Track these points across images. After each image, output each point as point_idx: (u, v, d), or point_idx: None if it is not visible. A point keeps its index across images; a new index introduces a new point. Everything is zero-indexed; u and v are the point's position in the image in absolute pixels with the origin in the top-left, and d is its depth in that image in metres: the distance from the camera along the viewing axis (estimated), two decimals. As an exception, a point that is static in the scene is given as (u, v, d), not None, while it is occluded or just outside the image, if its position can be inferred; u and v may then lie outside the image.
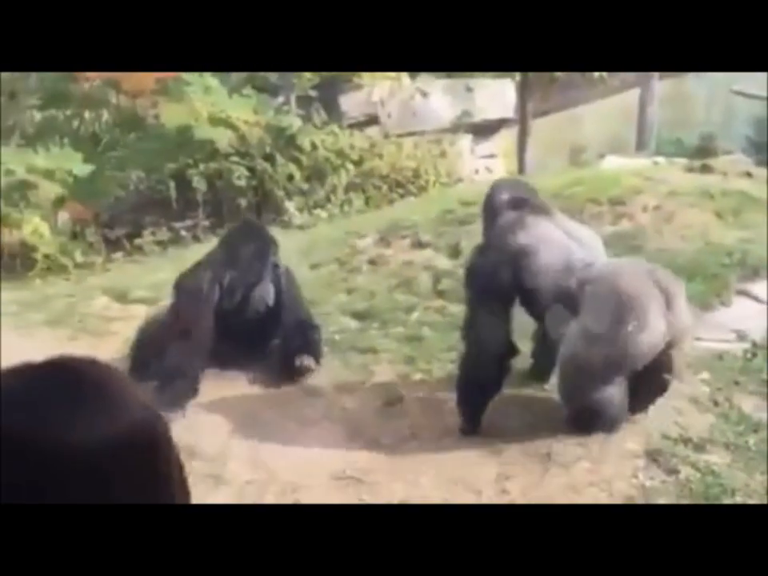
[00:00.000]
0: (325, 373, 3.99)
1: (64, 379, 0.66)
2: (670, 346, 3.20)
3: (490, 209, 3.74)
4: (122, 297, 5.49)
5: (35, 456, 0.60)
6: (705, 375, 3.63)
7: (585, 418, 3.19)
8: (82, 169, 7.45)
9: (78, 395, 0.64)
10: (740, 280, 4.32)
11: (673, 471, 2.97)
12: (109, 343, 4.61)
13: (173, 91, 8.19)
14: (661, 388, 3.28)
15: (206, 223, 8.12)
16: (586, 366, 3.16)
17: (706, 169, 5.79)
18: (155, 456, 0.66)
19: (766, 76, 11.51)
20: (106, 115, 8.68)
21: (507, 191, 3.78)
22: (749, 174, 5.80)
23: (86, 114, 8.59)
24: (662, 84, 15.38)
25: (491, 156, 10.79)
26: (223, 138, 7.93)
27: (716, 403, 3.42)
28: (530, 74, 12.38)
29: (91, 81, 8.15)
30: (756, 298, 4.17)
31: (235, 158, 8.13)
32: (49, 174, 7.25)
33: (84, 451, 0.61)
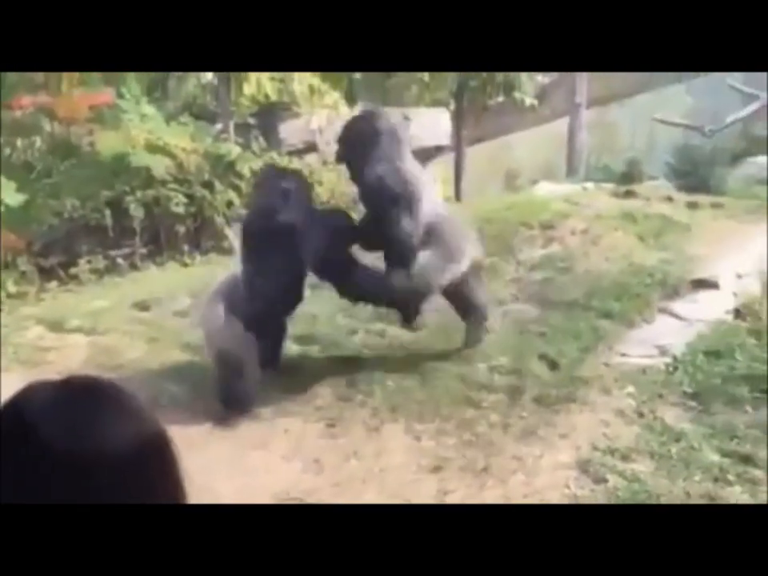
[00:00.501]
0: (267, 396, 4.04)
1: (84, 394, 0.74)
2: None
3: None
4: (57, 326, 5.41)
5: (61, 459, 0.67)
6: (630, 389, 3.82)
7: None
8: (15, 198, 7.32)
9: (98, 409, 0.73)
10: (661, 298, 4.56)
11: (601, 480, 3.12)
12: (44, 373, 4.53)
13: (109, 119, 8.15)
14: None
15: (144, 251, 8.05)
16: None
17: (629, 194, 6.09)
18: (165, 460, 0.75)
19: (686, 104, 12.13)
20: (39, 143, 8.56)
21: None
22: (669, 199, 6.13)
23: (18, 142, 8.45)
24: (589, 113, 16.01)
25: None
26: (160, 166, 7.91)
27: (641, 415, 3.60)
28: (465, 103, 12.76)
29: (24, 108, 8.03)
30: (676, 315, 4.41)
31: (173, 185, 8.11)
32: (-21, 203, 7.10)
33: (105, 456, 0.69)
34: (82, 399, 0.73)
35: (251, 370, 3.94)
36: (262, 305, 4.01)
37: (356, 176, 4.20)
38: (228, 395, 3.92)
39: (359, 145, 4.07)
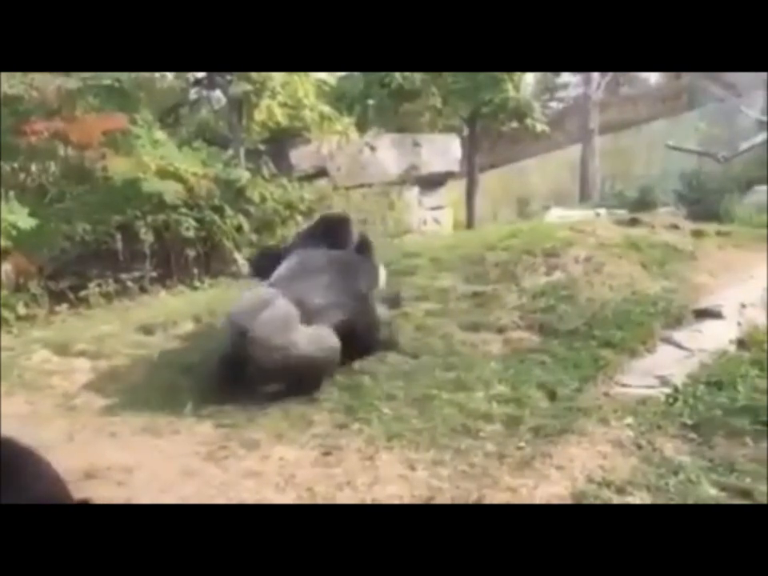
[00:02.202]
0: (263, 423, 4.04)
1: None
2: None
3: None
4: (62, 350, 5.45)
5: None
6: (629, 420, 3.77)
7: None
8: (28, 222, 7.41)
9: None
10: (664, 328, 4.52)
11: (595, 514, 3.07)
12: (46, 397, 4.58)
13: (121, 144, 8.26)
14: None
15: (154, 274, 8.12)
16: None
17: (635, 222, 6.07)
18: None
19: (700, 131, 12.11)
20: (53, 167, 8.69)
21: None
22: (675, 227, 6.10)
23: (33, 167, 8.58)
24: (602, 139, 16.03)
25: (439, 207, 11.06)
26: (171, 191, 8.00)
27: (639, 447, 3.55)
28: (477, 129, 12.82)
29: (39, 133, 8.16)
30: (678, 345, 4.37)
31: (183, 210, 8.19)
32: (-8, 227, 7.20)
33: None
34: None
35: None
36: None
37: None
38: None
39: None
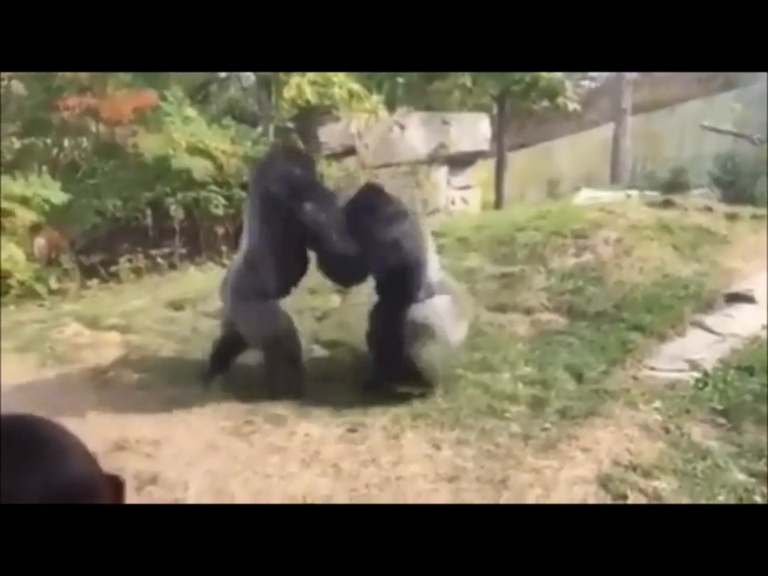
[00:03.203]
0: (289, 400, 4.08)
1: (17, 435, 0.75)
2: None
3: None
4: (93, 324, 5.55)
5: None
6: (657, 404, 3.73)
7: None
8: (60, 197, 7.53)
9: (28, 450, 0.73)
10: (694, 312, 4.46)
11: (621, 496, 3.06)
12: (77, 370, 4.66)
13: (151, 121, 8.32)
14: None
15: (183, 251, 8.20)
16: None
17: (668, 204, 5.97)
18: (91, 501, 0.75)
19: (735, 112, 11.85)
20: (85, 143, 8.79)
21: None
22: (709, 209, 5.99)
23: (66, 142, 8.69)
24: (635, 119, 15.76)
25: (467, 187, 10.98)
26: (201, 168, 8.04)
27: (667, 431, 3.52)
28: (507, 107, 12.66)
29: (71, 109, 8.25)
30: (709, 330, 4.31)
31: (213, 187, 8.25)
32: (25, 201, 7.32)
33: (32, 499, 0.69)
34: (9, 442, 0.73)
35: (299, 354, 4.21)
36: (270, 279, 4.17)
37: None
38: (278, 381, 4.13)
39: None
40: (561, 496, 3.11)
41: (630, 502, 3.05)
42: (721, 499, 3.04)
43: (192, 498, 3.23)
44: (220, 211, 8.26)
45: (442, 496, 3.17)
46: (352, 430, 3.74)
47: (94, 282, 7.61)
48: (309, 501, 3.19)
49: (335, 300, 5.57)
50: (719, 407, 3.66)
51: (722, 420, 3.59)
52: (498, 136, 12.28)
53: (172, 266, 8.07)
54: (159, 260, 8.01)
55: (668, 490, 3.11)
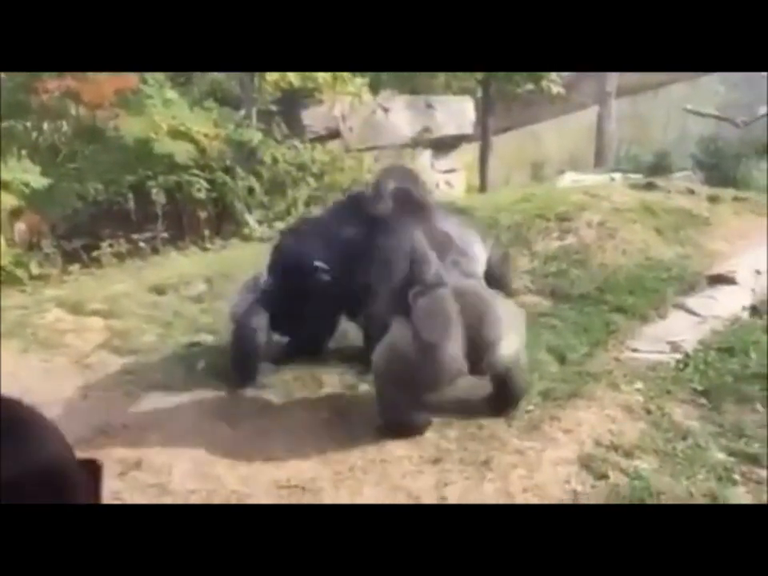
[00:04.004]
0: (275, 383, 4.07)
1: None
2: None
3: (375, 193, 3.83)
4: (76, 309, 5.49)
5: None
6: (639, 385, 3.77)
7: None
8: (40, 181, 7.43)
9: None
10: (677, 294, 4.50)
11: (603, 476, 3.10)
12: (60, 355, 4.62)
13: (133, 104, 8.21)
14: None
15: (166, 235, 8.14)
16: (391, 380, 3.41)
17: (650, 186, 5.99)
18: (66, 486, 0.74)
19: (719, 95, 11.90)
20: (65, 126, 8.67)
21: (395, 181, 3.86)
22: (691, 192, 6.02)
23: (45, 126, 8.56)
24: (619, 102, 15.77)
25: (451, 170, 10.97)
26: (183, 152, 7.97)
27: (648, 411, 3.56)
28: (492, 91, 12.63)
29: (51, 92, 8.13)
30: (691, 311, 4.35)
31: (195, 171, 8.17)
32: (5, 186, 7.22)
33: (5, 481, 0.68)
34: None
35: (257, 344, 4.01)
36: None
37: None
38: (234, 365, 4.05)
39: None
40: (543, 477, 3.15)
41: (611, 482, 3.09)
42: (700, 478, 3.09)
43: (176, 482, 3.23)
44: (202, 195, 8.20)
45: (427, 478, 3.19)
46: (337, 414, 3.75)
47: (76, 266, 7.53)
48: (293, 484, 3.21)
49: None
50: (700, 388, 3.71)
51: (702, 400, 3.64)
52: (482, 119, 12.25)
53: (154, 251, 8.00)
54: (141, 244, 7.94)
55: (649, 470, 3.15)
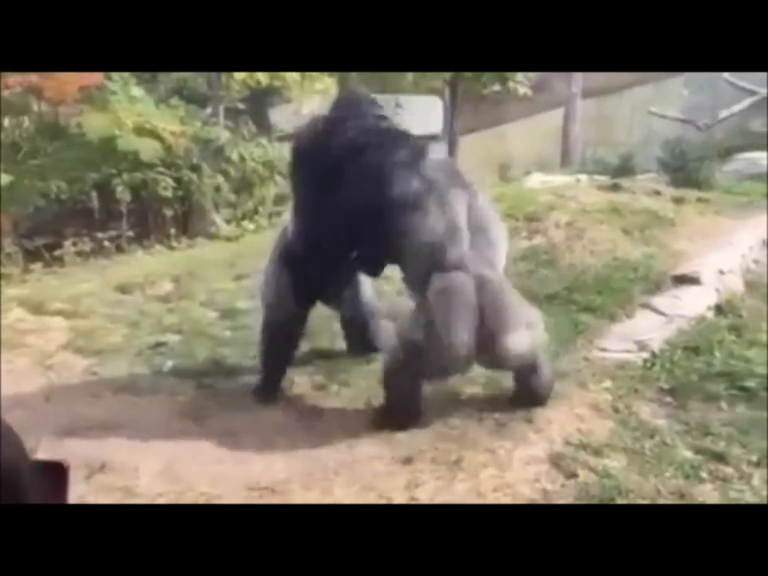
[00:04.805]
0: (244, 383, 4.03)
1: None
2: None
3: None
4: (38, 309, 5.38)
5: None
6: (607, 384, 3.80)
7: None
8: (1, 178, 7.26)
9: None
10: (643, 293, 4.55)
11: (572, 475, 3.11)
12: (22, 356, 4.52)
13: (97, 100, 8.08)
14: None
15: (131, 234, 8.02)
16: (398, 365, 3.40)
17: (617, 188, 6.07)
18: (17, 489, 0.71)
19: (683, 98, 12.10)
20: (27, 123, 8.50)
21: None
22: (657, 193, 6.11)
23: (6, 122, 8.38)
24: (586, 104, 15.95)
25: (420, 170, 10.98)
26: (148, 149, 7.86)
27: (616, 410, 3.59)
28: (459, 91, 12.68)
29: (12, 87, 7.96)
30: (657, 311, 4.40)
31: (161, 169, 8.07)
32: (-36, 183, 7.05)
33: None
34: None
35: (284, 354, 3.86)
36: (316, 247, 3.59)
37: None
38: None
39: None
40: (514, 476, 3.15)
41: (580, 480, 3.11)
42: (668, 476, 3.12)
43: (143, 485, 3.17)
44: (169, 193, 8.10)
45: (398, 478, 3.18)
46: (307, 413, 3.72)
47: (38, 265, 7.39)
48: (264, 485, 3.17)
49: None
50: (666, 386, 3.75)
51: (669, 399, 3.68)
52: (450, 119, 12.30)
53: (119, 249, 7.89)
54: (106, 243, 7.82)
55: (617, 468, 3.17)
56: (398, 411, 3.49)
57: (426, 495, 3.05)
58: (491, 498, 2.98)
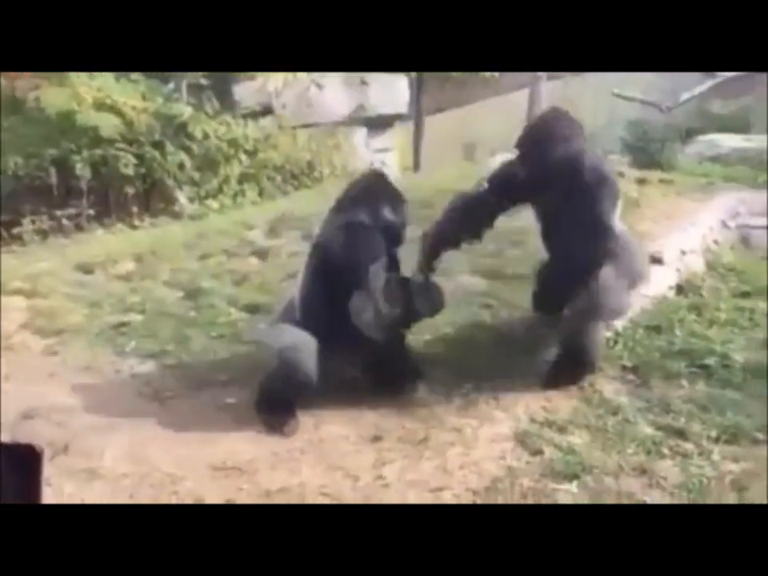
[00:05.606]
0: (212, 365, 3.99)
1: None
2: None
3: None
4: (-5, 288, 5.26)
5: None
6: (572, 362, 3.84)
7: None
8: (-46, 153, 7.04)
9: None
10: (608, 274, 4.58)
11: (537, 452, 3.16)
12: (-21, 336, 4.42)
13: (55, 74, 7.85)
14: None
15: (91, 212, 7.85)
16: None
17: (581, 168, 6.08)
18: None
19: (646, 80, 12.21)
20: (-20, 97, 8.23)
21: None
22: (621, 174, 6.14)
23: (-41, 96, 8.11)
24: (550, 85, 16.00)
25: (385, 150, 10.93)
26: (109, 125, 7.68)
27: (580, 388, 3.64)
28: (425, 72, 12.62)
29: (-36, 60, 7.69)
30: (621, 291, 4.44)
31: (122, 145, 7.89)
32: None
33: None
34: None
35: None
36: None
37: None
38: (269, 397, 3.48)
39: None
40: (480, 453, 3.19)
41: (545, 457, 3.15)
42: (630, 452, 3.18)
43: (107, 466, 3.14)
44: (130, 170, 7.93)
45: (365, 457, 3.19)
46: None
47: (-5, 244, 7.21)
48: (230, 465, 3.15)
49: (253, 262, 5.47)
50: (629, 364, 3.81)
51: (631, 377, 3.74)
52: (416, 99, 12.24)
53: (79, 228, 7.71)
54: (65, 221, 7.64)
55: (581, 445, 3.23)
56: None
57: (393, 474, 3.07)
58: (458, 476, 3.01)
